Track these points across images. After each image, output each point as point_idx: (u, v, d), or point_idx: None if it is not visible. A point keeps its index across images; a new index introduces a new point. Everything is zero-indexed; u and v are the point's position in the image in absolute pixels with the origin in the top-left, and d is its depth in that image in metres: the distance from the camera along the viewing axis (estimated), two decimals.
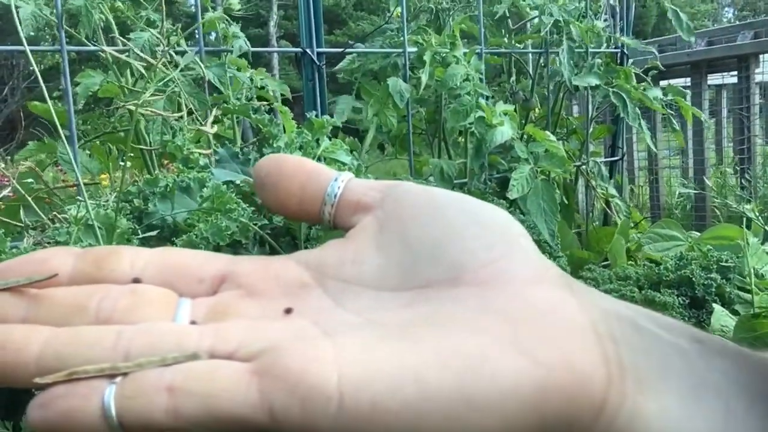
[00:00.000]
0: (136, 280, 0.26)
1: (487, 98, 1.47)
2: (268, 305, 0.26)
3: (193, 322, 0.25)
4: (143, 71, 0.91)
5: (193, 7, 1.13)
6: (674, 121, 1.82)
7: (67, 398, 0.21)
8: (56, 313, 0.24)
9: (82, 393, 0.21)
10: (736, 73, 2.90)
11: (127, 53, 0.99)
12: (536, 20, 1.67)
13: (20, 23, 0.77)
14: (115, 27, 1.01)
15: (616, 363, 0.23)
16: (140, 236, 0.69)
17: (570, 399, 0.22)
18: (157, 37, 0.93)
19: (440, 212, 0.26)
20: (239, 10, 0.85)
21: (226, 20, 1.08)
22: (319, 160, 1.06)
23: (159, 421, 0.21)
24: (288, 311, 0.25)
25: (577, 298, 0.25)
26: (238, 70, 1.10)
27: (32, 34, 0.98)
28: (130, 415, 0.21)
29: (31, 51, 0.82)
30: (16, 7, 0.80)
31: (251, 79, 1.10)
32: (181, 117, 0.92)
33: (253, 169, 0.30)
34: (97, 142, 1.18)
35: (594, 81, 1.61)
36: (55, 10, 0.94)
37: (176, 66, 0.97)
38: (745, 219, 1.25)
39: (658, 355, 0.24)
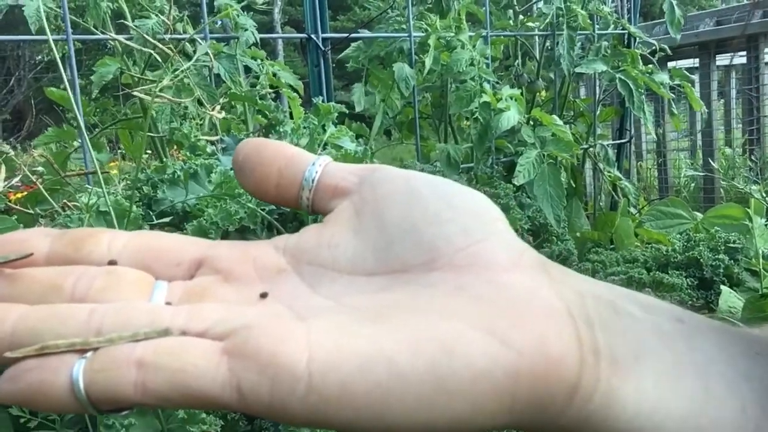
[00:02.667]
0: (112, 262, 0.26)
1: (492, 84, 1.47)
2: (244, 290, 0.26)
3: (168, 304, 0.25)
4: (158, 58, 0.92)
5: None
6: (674, 105, 1.81)
7: (36, 371, 0.21)
8: (32, 292, 0.24)
9: (51, 367, 0.21)
10: (745, 53, 2.87)
11: (134, 40, 0.99)
12: (542, 3, 1.66)
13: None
14: (128, 14, 1.02)
15: (590, 346, 0.23)
16: (153, 222, 0.70)
17: (542, 382, 0.22)
18: (166, 23, 0.93)
19: (417, 196, 0.26)
20: (263, 3, 0.86)
21: (235, 9, 1.08)
22: (325, 145, 1.06)
23: (127, 395, 0.21)
24: (263, 296, 0.25)
25: (553, 282, 0.25)
26: (253, 59, 1.11)
27: (38, 26, 0.99)
28: (97, 389, 0.21)
29: (36, 41, 0.82)
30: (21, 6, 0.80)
31: (262, 68, 1.10)
32: (192, 104, 0.92)
33: (233, 153, 0.30)
34: (120, 130, 1.19)
35: (600, 67, 1.60)
36: (61, 2, 0.94)
37: (184, 53, 0.98)
38: (753, 200, 1.25)
39: (636, 337, 0.24)
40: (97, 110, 1.28)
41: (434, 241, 0.25)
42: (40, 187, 0.87)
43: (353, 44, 1.54)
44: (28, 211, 0.87)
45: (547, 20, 1.60)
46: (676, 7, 1.71)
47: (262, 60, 1.18)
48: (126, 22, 1.01)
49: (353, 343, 0.21)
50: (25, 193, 1.17)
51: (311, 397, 0.21)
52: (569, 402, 0.23)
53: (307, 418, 0.21)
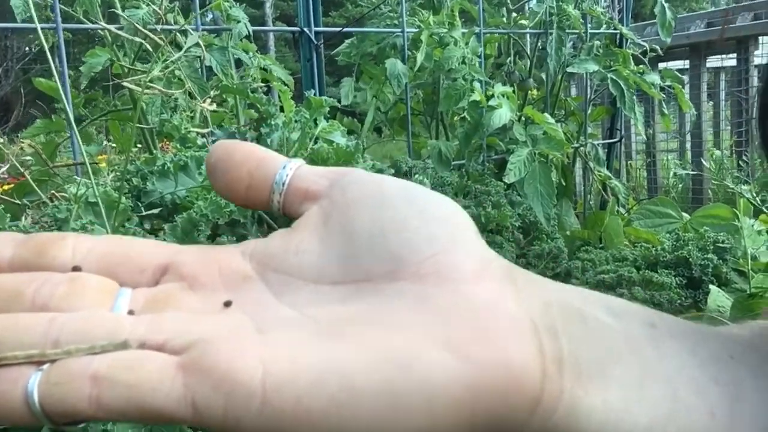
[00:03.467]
0: (76, 268, 0.26)
1: (483, 82, 1.47)
2: (208, 297, 0.25)
3: (131, 312, 0.24)
4: (150, 48, 0.91)
5: None
6: (664, 106, 1.82)
7: None
8: None
9: (7, 379, 0.21)
10: (735, 55, 2.89)
11: (124, 30, 0.98)
12: (534, 2, 1.67)
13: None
14: (118, 3, 1.01)
15: (553, 357, 0.23)
16: (142, 214, 0.69)
17: (502, 396, 0.22)
18: (157, 12, 0.92)
19: (386, 203, 0.26)
20: None
21: (227, 1, 1.08)
22: (316, 139, 1.06)
23: (81, 409, 0.21)
24: (227, 304, 0.25)
25: (518, 292, 0.24)
26: (245, 52, 1.10)
27: (27, 15, 0.98)
28: (52, 402, 0.21)
29: (25, 30, 0.81)
30: None
31: (253, 60, 1.10)
32: (183, 95, 0.91)
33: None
34: (110, 121, 1.18)
35: (592, 67, 1.60)
36: None
37: (175, 44, 0.97)
38: (742, 200, 1.26)
39: (602, 345, 0.24)
40: (87, 101, 1.27)
41: (400, 250, 0.25)
42: (28, 177, 0.86)
43: (347, 41, 1.53)
44: (15, 201, 0.86)
45: (538, 18, 1.60)
46: (667, 10, 1.72)
47: (253, 53, 1.17)
48: (116, 11, 1.00)
49: (309, 359, 0.21)
50: (12, 185, 1.16)
51: (266, 412, 0.20)
52: (532, 414, 0.23)
53: None
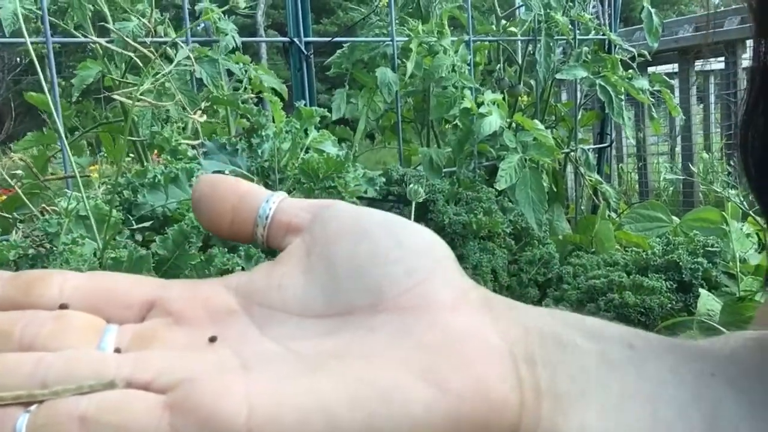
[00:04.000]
0: (63, 306, 0.26)
1: (473, 89, 1.47)
2: (194, 333, 0.26)
3: (117, 350, 0.25)
4: (139, 62, 0.91)
5: None
6: (654, 110, 1.84)
7: None
8: None
9: None
10: (723, 59, 2.91)
11: (114, 43, 0.99)
12: (524, 8, 1.68)
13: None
14: (110, 17, 1.01)
15: (531, 386, 0.24)
16: (133, 227, 0.70)
17: (483, 425, 0.23)
18: (147, 26, 0.92)
19: (366, 235, 0.26)
20: (246, 7, 0.86)
21: (218, 13, 1.08)
22: (307, 149, 1.06)
23: None
24: (212, 339, 0.25)
25: (496, 320, 0.25)
26: (238, 63, 1.11)
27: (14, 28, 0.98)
28: None
29: (15, 43, 0.81)
30: None
31: (245, 71, 1.10)
32: (174, 107, 0.92)
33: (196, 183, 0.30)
34: (102, 133, 1.18)
35: (581, 73, 1.61)
36: (40, 3, 0.93)
37: (165, 57, 0.97)
38: (730, 204, 1.27)
39: (580, 371, 0.24)
40: (78, 113, 1.27)
41: (379, 283, 0.25)
42: (19, 191, 0.86)
43: (338, 51, 1.54)
44: (5, 215, 0.86)
45: (526, 25, 1.61)
46: (654, 16, 1.74)
47: (246, 64, 1.18)
48: (106, 24, 1.00)
49: (293, 396, 0.22)
50: (3, 197, 1.16)
51: None
52: None
53: None
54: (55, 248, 0.67)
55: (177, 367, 0.23)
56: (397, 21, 1.48)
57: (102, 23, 1.06)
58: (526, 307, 0.27)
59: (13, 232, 0.79)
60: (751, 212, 1.26)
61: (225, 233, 0.29)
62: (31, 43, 0.67)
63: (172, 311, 0.26)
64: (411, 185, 1.05)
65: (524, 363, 0.24)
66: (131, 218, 0.75)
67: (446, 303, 0.25)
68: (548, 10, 1.59)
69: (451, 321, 0.24)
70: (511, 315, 0.26)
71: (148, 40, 0.99)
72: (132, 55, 0.82)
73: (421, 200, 0.97)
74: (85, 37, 1.05)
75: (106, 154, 1.43)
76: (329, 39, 1.55)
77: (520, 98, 1.84)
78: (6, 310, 0.26)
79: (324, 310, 0.26)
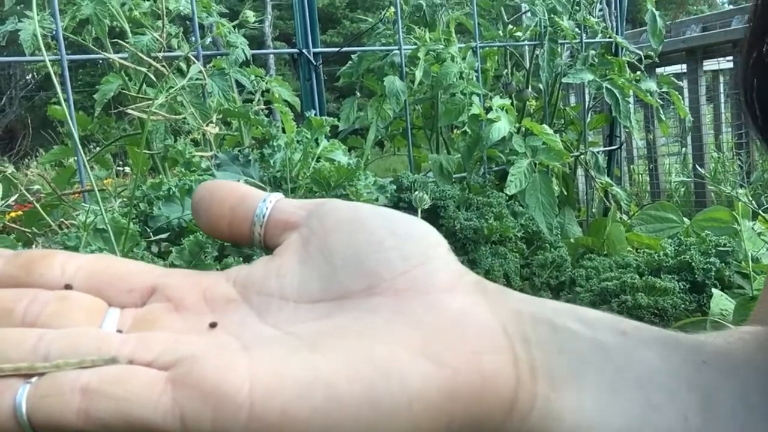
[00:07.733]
0: (68, 286, 0.26)
1: (481, 95, 1.48)
2: (193, 319, 0.26)
3: (119, 332, 0.25)
4: (153, 77, 0.93)
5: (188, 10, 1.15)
6: (662, 112, 1.84)
7: None
8: None
9: None
10: (731, 58, 2.90)
11: (128, 59, 1.01)
12: (529, 13, 1.69)
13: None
14: (129, 32, 1.04)
15: (526, 363, 0.24)
16: (150, 239, 0.71)
17: (478, 400, 0.23)
18: (159, 40, 0.94)
19: (362, 226, 0.27)
20: (254, 22, 0.87)
21: (227, 27, 1.10)
22: (318, 159, 1.08)
23: (69, 421, 0.21)
24: (212, 325, 0.25)
25: (490, 302, 0.26)
26: (253, 77, 1.13)
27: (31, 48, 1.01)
28: (40, 415, 0.21)
29: (30, 61, 0.83)
30: (18, 30, 0.81)
31: (256, 84, 1.12)
32: (190, 119, 0.93)
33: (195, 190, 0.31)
34: (129, 146, 1.21)
35: (588, 76, 1.62)
36: (54, 23, 0.96)
37: (178, 70, 0.99)
38: (740, 203, 1.27)
39: (574, 353, 0.25)
40: (101, 126, 1.29)
41: (376, 267, 0.26)
42: (37, 205, 0.88)
43: (349, 62, 1.55)
44: (25, 229, 0.88)
45: (531, 30, 1.62)
46: (658, 18, 1.74)
47: (259, 77, 1.20)
48: (119, 41, 1.02)
49: (293, 371, 0.22)
50: (19, 212, 1.18)
51: (253, 424, 0.21)
52: (507, 418, 0.24)
53: None
54: None
55: (179, 347, 0.23)
56: (403, 30, 1.50)
57: (115, 40, 1.08)
58: (518, 294, 0.27)
59: (33, 245, 0.81)
60: (760, 211, 1.26)
61: (224, 235, 0.30)
62: (47, 61, 0.69)
63: (172, 297, 0.27)
64: (416, 192, 1.06)
65: (519, 342, 0.25)
66: (148, 230, 0.76)
67: (442, 285, 0.25)
68: (552, 15, 1.60)
69: (447, 302, 0.25)
70: (504, 299, 0.26)
71: (160, 54, 1.00)
72: (145, 70, 0.84)
73: (426, 207, 0.98)
74: (97, 53, 1.07)
75: (124, 168, 1.46)
76: (338, 49, 1.57)
77: (528, 102, 1.84)
78: (7, 287, 0.26)
79: (321, 295, 0.26)
